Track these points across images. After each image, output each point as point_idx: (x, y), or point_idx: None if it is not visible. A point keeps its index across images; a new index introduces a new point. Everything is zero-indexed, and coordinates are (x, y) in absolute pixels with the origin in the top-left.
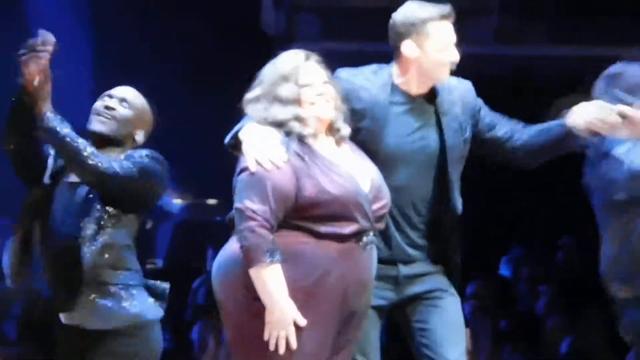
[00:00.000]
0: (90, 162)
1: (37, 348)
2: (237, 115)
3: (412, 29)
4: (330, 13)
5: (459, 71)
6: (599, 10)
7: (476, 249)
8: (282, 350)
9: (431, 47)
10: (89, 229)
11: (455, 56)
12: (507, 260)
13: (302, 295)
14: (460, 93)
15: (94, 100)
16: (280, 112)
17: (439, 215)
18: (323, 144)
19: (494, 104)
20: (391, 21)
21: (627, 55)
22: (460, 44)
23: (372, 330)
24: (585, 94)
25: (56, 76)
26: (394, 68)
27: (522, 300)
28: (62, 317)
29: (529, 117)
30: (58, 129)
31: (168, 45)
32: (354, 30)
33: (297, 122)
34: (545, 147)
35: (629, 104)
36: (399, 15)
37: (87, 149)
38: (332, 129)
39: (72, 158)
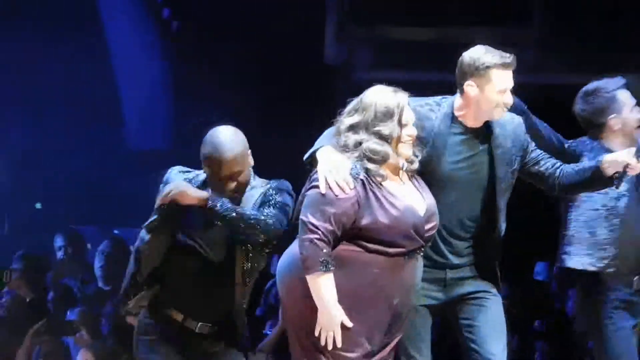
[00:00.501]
0: (258, 227)
1: (126, 343)
2: (303, 143)
3: (475, 71)
4: (384, 45)
5: None
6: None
7: (511, 253)
8: (330, 347)
9: (490, 90)
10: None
11: (509, 100)
12: (542, 265)
13: (350, 299)
14: (512, 128)
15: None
16: (374, 146)
17: (484, 234)
18: (390, 176)
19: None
20: (460, 59)
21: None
22: None
23: (423, 327)
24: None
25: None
26: (456, 100)
27: (554, 301)
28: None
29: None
30: (226, 210)
31: (239, 75)
32: (404, 60)
33: (379, 161)
34: (581, 185)
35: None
36: (467, 56)
37: (250, 217)
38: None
39: (242, 228)
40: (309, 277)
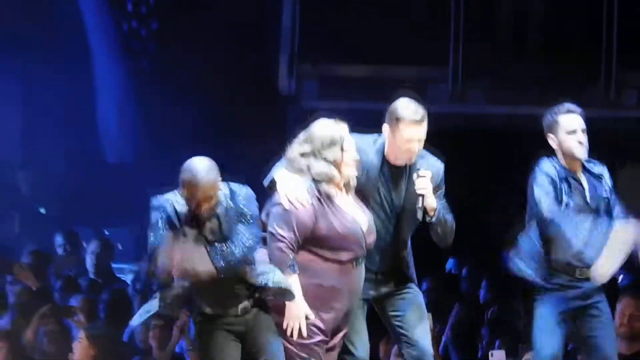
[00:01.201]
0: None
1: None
2: (260, 159)
3: (391, 120)
4: (327, 80)
5: None
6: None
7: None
8: (295, 336)
9: (398, 138)
10: None
11: (414, 150)
12: (454, 261)
13: (310, 298)
14: (434, 171)
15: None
16: (322, 169)
17: (400, 247)
18: (337, 192)
19: (450, 151)
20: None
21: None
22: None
23: (358, 318)
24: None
25: None
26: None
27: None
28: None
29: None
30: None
31: (204, 103)
32: (344, 93)
33: (328, 180)
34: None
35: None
36: (392, 104)
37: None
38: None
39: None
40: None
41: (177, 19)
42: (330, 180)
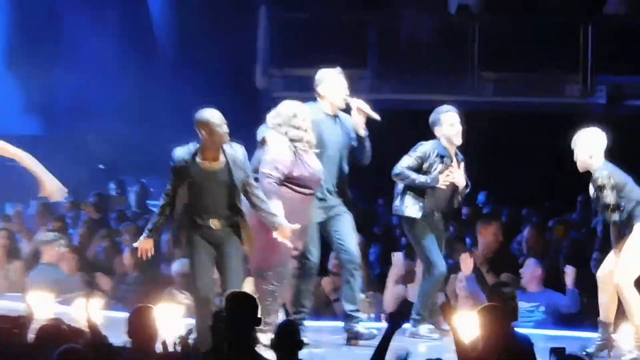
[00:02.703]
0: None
1: None
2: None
3: (322, 87)
4: (291, 78)
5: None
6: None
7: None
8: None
9: (330, 93)
10: None
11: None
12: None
13: (288, 216)
14: (345, 117)
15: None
16: (294, 134)
17: (341, 180)
18: (305, 148)
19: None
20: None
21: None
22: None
23: (315, 234)
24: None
25: None
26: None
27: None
28: None
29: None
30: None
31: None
32: (303, 87)
33: (300, 141)
34: None
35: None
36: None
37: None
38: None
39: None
40: (270, 202)
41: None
42: (299, 140)
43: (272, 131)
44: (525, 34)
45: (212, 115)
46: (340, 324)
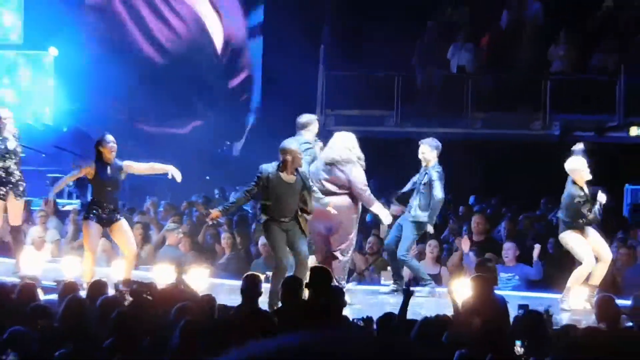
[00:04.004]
0: None
1: None
2: None
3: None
4: (339, 117)
5: None
6: None
7: None
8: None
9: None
10: None
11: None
12: None
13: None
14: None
15: None
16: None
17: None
18: None
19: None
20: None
21: None
22: None
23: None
24: None
25: None
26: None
27: None
28: None
29: None
30: None
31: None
32: (348, 123)
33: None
34: None
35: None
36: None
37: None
38: None
39: None
40: (374, 204)
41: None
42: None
43: (349, 155)
44: (504, 86)
45: (296, 146)
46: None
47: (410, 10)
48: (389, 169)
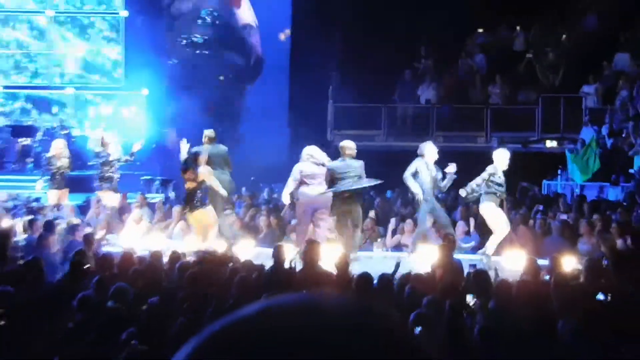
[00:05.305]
0: None
1: None
2: None
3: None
4: (344, 136)
5: None
6: None
7: None
8: None
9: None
10: None
11: None
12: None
13: None
14: None
15: None
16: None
17: None
18: None
19: None
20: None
21: None
22: None
23: None
24: None
25: None
26: None
27: None
28: None
29: None
30: None
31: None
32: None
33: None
34: None
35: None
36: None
37: None
38: None
39: None
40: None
41: None
42: None
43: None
44: (459, 113)
45: (349, 143)
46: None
47: (391, 62)
48: (379, 173)
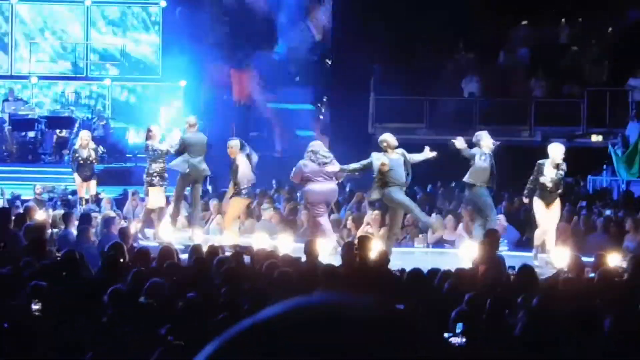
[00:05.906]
0: None
1: None
2: None
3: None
4: (386, 129)
5: None
6: None
7: None
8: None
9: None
10: None
11: None
12: None
13: None
14: None
15: None
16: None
17: None
18: None
19: None
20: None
21: None
22: None
23: None
24: None
25: None
26: None
27: None
28: None
29: None
30: None
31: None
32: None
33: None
34: None
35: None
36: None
37: None
38: None
39: None
40: None
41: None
42: None
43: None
44: (502, 106)
45: (390, 137)
46: None
47: (433, 55)
48: (421, 164)
